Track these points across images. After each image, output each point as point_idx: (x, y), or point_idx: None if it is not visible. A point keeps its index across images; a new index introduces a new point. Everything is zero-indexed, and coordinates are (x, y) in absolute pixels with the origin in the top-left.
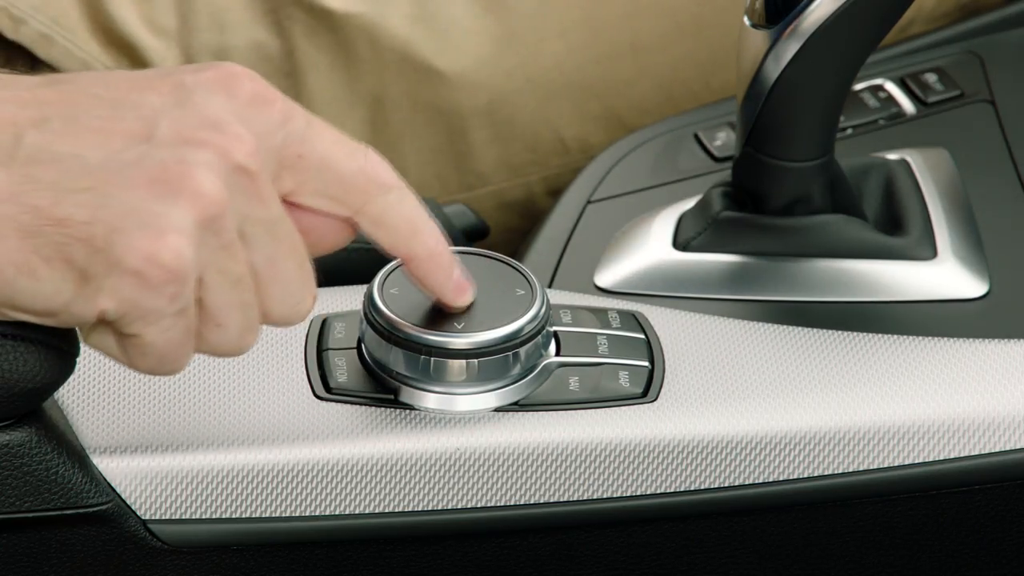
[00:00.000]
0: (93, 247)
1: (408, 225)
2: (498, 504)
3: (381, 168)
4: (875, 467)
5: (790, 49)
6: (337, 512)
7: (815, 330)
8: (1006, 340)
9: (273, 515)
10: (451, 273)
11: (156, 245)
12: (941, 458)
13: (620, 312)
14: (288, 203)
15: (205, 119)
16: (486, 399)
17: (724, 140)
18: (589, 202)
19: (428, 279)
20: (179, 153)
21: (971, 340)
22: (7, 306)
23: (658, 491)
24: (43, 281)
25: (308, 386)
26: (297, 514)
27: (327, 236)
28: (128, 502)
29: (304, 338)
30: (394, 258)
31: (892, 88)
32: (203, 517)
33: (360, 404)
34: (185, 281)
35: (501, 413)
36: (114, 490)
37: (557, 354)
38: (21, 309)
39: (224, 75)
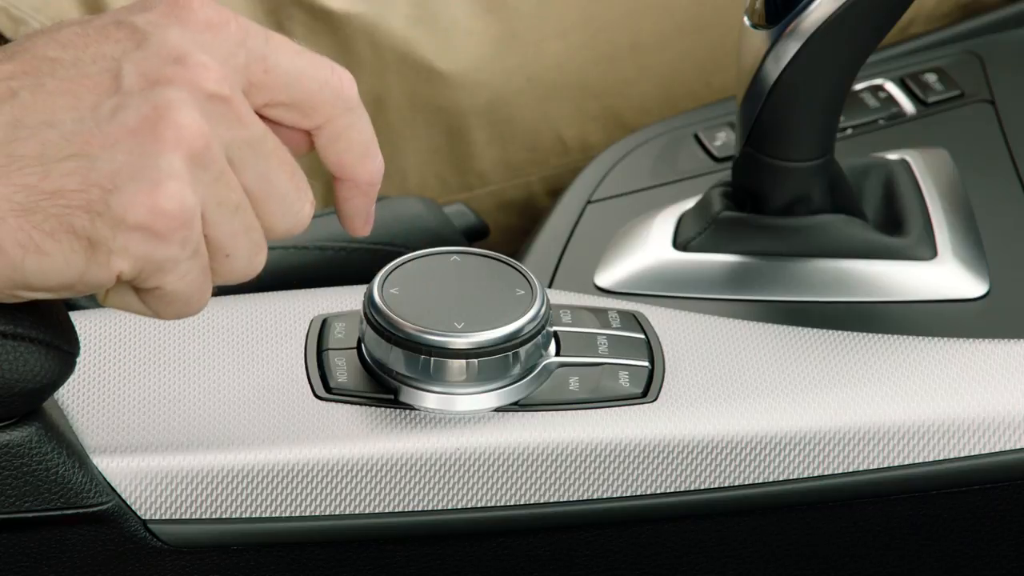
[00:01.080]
0: (94, 212)
1: (362, 147)
2: (498, 504)
3: (347, 83)
4: (875, 467)
5: (790, 49)
6: (337, 512)
7: (815, 330)
8: (1006, 340)
9: (273, 515)
10: (371, 205)
11: (155, 195)
12: (941, 458)
13: (620, 312)
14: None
15: (167, 55)
16: (486, 399)
17: (724, 140)
18: (589, 202)
19: (351, 203)
20: (151, 97)
21: (971, 340)
22: (21, 287)
23: (658, 491)
24: (52, 255)
25: (308, 386)
26: (297, 514)
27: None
28: (128, 502)
29: (304, 338)
30: (393, 257)
31: (892, 88)
32: (203, 517)
33: (360, 404)
34: (192, 223)
35: (501, 413)
36: (114, 490)
37: (557, 354)
38: (36, 288)
39: (173, 6)
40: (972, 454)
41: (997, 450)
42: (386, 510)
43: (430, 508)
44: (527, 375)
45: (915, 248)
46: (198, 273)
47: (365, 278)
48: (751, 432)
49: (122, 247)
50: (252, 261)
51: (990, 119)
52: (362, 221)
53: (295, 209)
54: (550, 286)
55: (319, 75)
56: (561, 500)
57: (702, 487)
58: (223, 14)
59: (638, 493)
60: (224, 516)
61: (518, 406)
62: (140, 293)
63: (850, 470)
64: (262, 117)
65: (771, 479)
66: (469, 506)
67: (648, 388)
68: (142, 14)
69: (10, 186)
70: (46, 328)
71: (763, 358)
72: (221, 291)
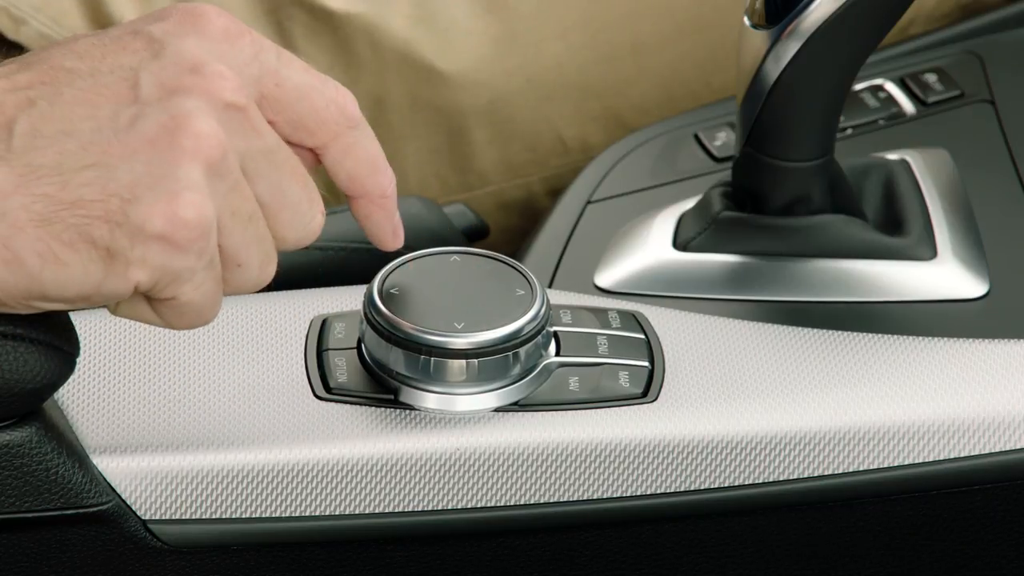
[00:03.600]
0: (113, 222)
1: (369, 163)
2: (498, 504)
3: (350, 101)
4: (875, 467)
5: (790, 49)
6: (337, 512)
7: (815, 330)
8: (1006, 340)
9: (273, 515)
10: (393, 216)
11: (174, 205)
12: (941, 458)
13: (620, 312)
14: None
15: (184, 65)
16: (486, 399)
17: (724, 140)
18: (589, 202)
19: (372, 219)
20: (168, 106)
21: (971, 340)
22: (38, 298)
23: (658, 491)
24: (70, 266)
25: (308, 386)
26: (297, 514)
27: None
28: (128, 502)
29: (304, 338)
30: (393, 257)
31: (892, 88)
32: (203, 517)
33: (360, 404)
34: (209, 233)
35: (501, 413)
36: (114, 490)
37: (557, 354)
38: (53, 299)
39: (189, 16)
40: (973, 454)
41: (998, 450)
42: (386, 510)
43: (430, 508)
44: (527, 375)
45: (915, 248)
46: (212, 283)
47: (365, 278)
48: (751, 432)
49: (140, 257)
50: (263, 271)
51: (990, 119)
52: (389, 235)
53: (306, 220)
54: (550, 286)
55: (326, 92)
56: (561, 500)
57: (702, 487)
58: (238, 26)
59: (638, 493)
60: (224, 516)
61: (518, 406)
62: (154, 304)
63: (851, 470)
64: None
65: (771, 479)
66: (469, 506)
67: (648, 388)
68: (158, 24)
69: (29, 196)
70: (46, 328)
71: (763, 358)
72: None
